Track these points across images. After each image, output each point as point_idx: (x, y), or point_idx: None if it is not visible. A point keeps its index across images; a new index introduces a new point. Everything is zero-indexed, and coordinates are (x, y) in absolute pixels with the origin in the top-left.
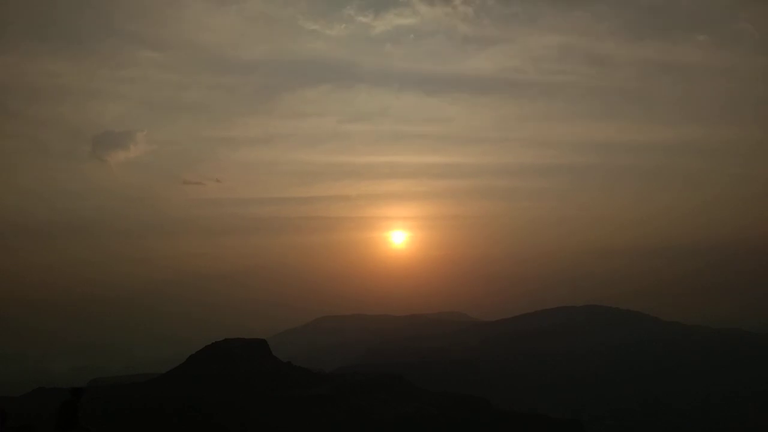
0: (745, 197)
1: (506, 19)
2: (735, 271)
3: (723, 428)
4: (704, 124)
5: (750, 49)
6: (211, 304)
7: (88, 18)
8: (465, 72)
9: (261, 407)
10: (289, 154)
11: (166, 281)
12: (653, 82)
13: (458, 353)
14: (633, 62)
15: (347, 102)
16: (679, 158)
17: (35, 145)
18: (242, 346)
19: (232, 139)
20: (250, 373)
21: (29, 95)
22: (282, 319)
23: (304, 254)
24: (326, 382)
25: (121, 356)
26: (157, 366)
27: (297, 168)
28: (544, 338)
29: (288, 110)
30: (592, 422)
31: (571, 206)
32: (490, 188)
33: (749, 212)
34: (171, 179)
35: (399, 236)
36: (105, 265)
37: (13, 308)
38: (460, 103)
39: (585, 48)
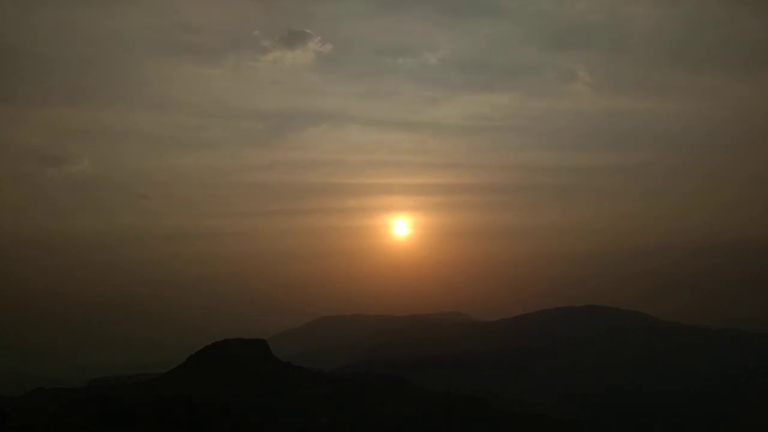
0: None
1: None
2: (735, 271)
3: (720, 427)
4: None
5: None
6: (212, 305)
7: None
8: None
9: (261, 407)
10: (288, 177)
11: (166, 282)
12: (581, 121)
13: (458, 353)
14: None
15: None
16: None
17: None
18: (242, 346)
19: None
20: (250, 373)
21: None
22: (282, 319)
23: (305, 256)
24: (326, 383)
25: (121, 356)
26: (157, 366)
27: (297, 188)
28: (544, 339)
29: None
30: (592, 422)
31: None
32: (475, 203)
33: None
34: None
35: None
36: (105, 266)
37: (13, 309)
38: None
39: (530, 102)
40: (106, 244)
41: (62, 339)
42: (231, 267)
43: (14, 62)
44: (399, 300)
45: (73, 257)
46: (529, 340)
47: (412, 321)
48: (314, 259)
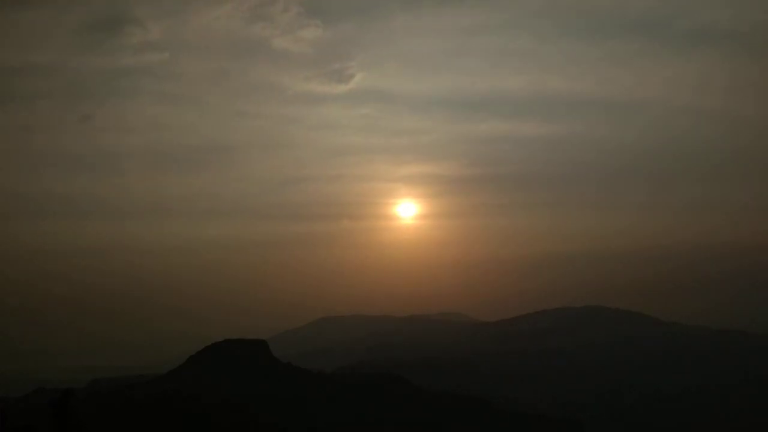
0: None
1: None
2: (736, 271)
3: (720, 429)
4: None
5: None
6: (212, 305)
7: None
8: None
9: (261, 408)
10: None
11: (166, 282)
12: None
13: (458, 353)
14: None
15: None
16: None
17: None
18: (242, 346)
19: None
20: (250, 374)
21: None
22: (282, 319)
23: (305, 257)
24: (326, 383)
25: (121, 356)
26: (157, 366)
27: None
28: (544, 339)
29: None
30: (592, 422)
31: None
32: (474, 204)
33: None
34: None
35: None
36: (105, 265)
37: (13, 308)
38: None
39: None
40: (107, 246)
41: (62, 339)
42: (231, 267)
43: None
44: (398, 300)
45: (74, 258)
46: (528, 340)
47: (411, 321)
48: (314, 260)
